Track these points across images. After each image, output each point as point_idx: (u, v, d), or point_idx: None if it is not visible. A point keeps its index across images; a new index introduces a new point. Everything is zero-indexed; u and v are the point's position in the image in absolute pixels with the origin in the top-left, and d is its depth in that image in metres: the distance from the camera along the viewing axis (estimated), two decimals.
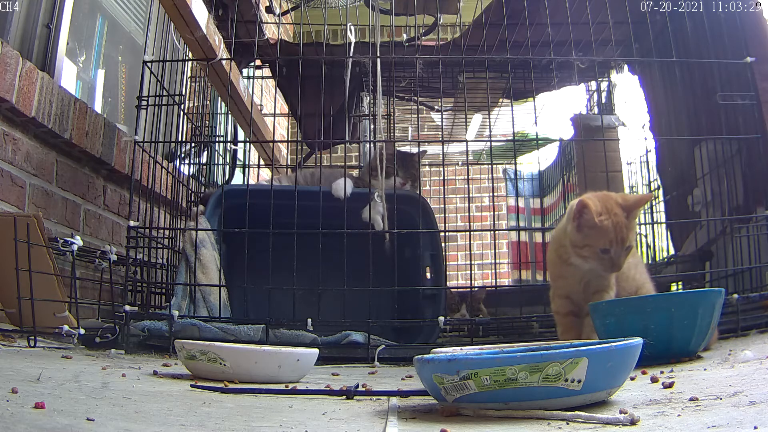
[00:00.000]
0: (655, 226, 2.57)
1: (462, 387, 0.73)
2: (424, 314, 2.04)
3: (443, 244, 2.10)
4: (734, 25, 1.99)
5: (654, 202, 2.71)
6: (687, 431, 0.61)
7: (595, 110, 2.98)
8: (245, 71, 2.87)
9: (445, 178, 2.22)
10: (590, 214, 1.30)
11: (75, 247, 1.64)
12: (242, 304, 1.98)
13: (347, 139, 2.68)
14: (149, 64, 1.87)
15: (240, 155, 3.34)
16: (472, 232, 2.05)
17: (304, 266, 1.80)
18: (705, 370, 1.08)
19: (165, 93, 1.99)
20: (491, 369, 0.71)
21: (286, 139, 4.73)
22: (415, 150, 2.34)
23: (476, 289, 2.69)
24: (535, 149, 3.24)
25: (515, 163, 4.15)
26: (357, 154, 3.21)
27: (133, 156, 1.88)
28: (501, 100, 3.12)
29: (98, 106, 2.52)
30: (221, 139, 3.26)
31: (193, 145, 2.76)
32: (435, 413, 0.79)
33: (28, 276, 1.44)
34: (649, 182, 2.72)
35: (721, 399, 0.76)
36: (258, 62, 2.93)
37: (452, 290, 2.55)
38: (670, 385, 0.89)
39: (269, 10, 2.86)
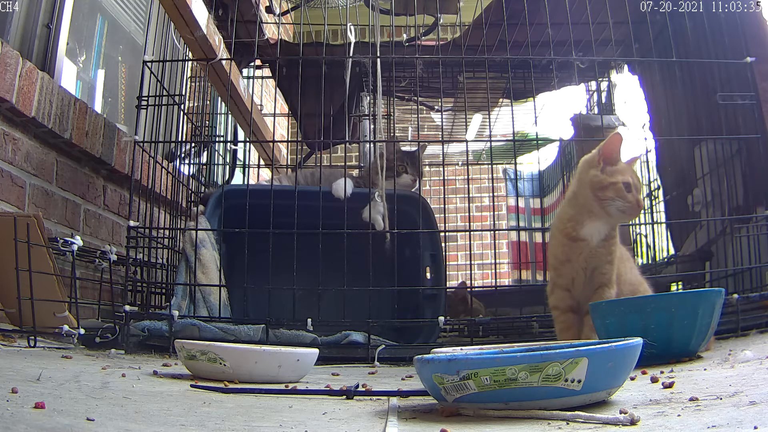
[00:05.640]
0: (655, 226, 2.57)
1: (462, 387, 0.73)
2: (424, 314, 2.03)
3: (443, 244, 2.10)
4: (734, 25, 1.99)
5: (654, 202, 2.71)
6: (687, 431, 0.61)
7: (595, 110, 2.98)
8: (245, 71, 2.87)
9: (445, 178, 2.22)
10: (616, 147, 1.35)
11: (75, 247, 1.64)
12: (242, 304, 1.98)
13: (347, 139, 2.68)
14: (149, 64, 1.87)
15: (240, 155, 3.34)
16: (472, 232, 2.05)
17: (305, 266, 1.80)
18: (705, 370, 1.08)
19: (165, 93, 1.99)
20: (491, 369, 0.71)
21: (286, 139, 4.73)
22: (416, 148, 2.35)
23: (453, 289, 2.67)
24: (535, 149, 3.23)
25: (515, 163, 4.15)
26: (357, 154, 3.21)
27: (133, 156, 1.88)
28: (501, 100, 3.12)
29: (98, 106, 2.52)
30: (221, 139, 3.26)
31: (193, 145, 2.76)
32: (435, 413, 0.79)
33: (28, 276, 1.44)
34: (649, 182, 2.72)
35: (721, 399, 0.76)
36: (258, 62, 2.93)
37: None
38: (670, 385, 0.89)
39: (269, 10, 2.86)
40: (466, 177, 1.97)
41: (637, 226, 2.69)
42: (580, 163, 1.42)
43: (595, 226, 1.37)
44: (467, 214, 1.99)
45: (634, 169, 1.41)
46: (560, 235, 1.41)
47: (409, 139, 3.88)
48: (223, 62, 2.16)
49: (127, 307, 1.68)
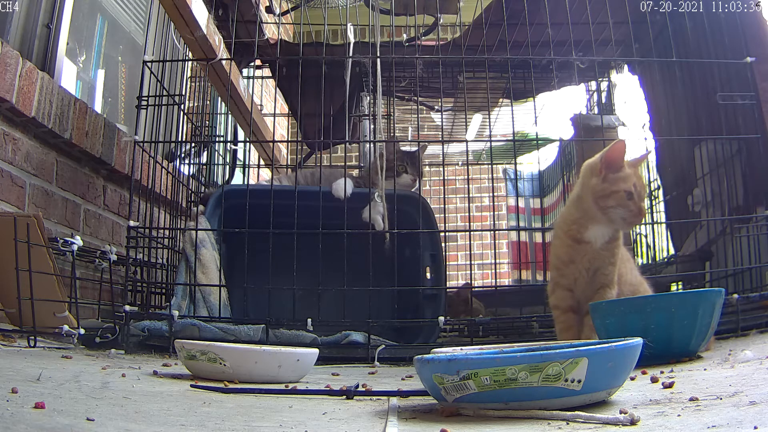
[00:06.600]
0: (655, 226, 2.57)
1: (462, 387, 0.73)
2: (424, 314, 2.04)
3: (443, 244, 2.10)
4: (734, 25, 1.99)
5: (654, 202, 2.71)
6: (687, 431, 0.61)
7: (595, 110, 2.98)
8: (245, 71, 2.87)
9: (445, 178, 2.22)
10: (620, 155, 1.33)
11: (75, 247, 1.64)
12: (242, 304, 1.98)
13: (347, 139, 2.68)
14: (149, 64, 1.87)
15: (240, 155, 3.34)
16: (472, 232, 2.05)
17: (305, 266, 1.80)
18: (705, 370, 1.08)
19: (165, 93, 1.99)
20: (491, 369, 0.71)
21: (286, 139, 4.73)
22: (416, 149, 2.35)
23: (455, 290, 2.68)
24: (535, 149, 3.23)
25: (515, 163, 4.15)
26: (357, 154, 3.21)
27: (133, 156, 1.88)
28: (501, 100, 3.12)
29: (98, 106, 2.52)
30: (221, 139, 3.26)
31: (193, 145, 2.76)
32: (435, 413, 0.79)
33: (28, 276, 1.44)
34: (649, 182, 2.72)
35: (721, 399, 0.75)
36: (258, 62, 2.93)
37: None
38: (670, 385, 0.89)
39: (269, 10, 2.86)
40: (466, 177, 1.97)
41: (637, 226, 2.69)
42: (583, 166, 1.41)
43: (599, 230, 1.37)
44: (467, 214, 1.99)
45: (639, 173, 1.39)
46: (564, 236, 1.41)
47: (409, 139, 3.88)
48: (223, 62, 2.17)
49: (127, 307, 1.68)
